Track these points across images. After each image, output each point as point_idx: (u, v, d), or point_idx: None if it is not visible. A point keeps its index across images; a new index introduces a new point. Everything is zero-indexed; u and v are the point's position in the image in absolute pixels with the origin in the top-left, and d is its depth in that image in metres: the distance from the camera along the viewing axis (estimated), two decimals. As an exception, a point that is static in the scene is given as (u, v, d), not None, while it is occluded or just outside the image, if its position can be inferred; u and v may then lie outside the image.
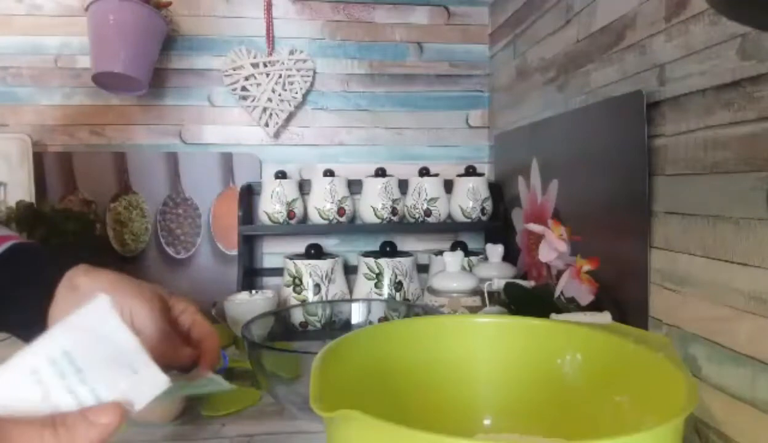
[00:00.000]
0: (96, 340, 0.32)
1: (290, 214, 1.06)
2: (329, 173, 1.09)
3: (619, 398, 0.43)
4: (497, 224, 1.09)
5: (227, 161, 1.13)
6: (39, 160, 1.04)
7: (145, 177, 1.10)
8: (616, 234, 0.67)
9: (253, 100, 1.11)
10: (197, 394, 0.36)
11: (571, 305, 0.66)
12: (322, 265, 1.02)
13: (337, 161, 1.16)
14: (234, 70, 1.10)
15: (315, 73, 1.14)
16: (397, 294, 1.03)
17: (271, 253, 1.15)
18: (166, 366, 0.36)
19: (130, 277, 0.44)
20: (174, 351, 0.42)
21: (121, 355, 0.33)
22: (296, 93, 1.12)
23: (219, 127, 1.13)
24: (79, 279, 0.42)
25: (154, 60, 1.03)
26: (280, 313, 0.85)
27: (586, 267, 0.64)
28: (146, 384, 0.33)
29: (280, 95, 1.11)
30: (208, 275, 1.10)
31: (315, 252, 1.04)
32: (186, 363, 0.44)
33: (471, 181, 1.08)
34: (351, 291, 1.06)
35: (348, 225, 1.10)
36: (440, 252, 1.01)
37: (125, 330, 0.34)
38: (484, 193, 1.08)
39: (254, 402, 0.70)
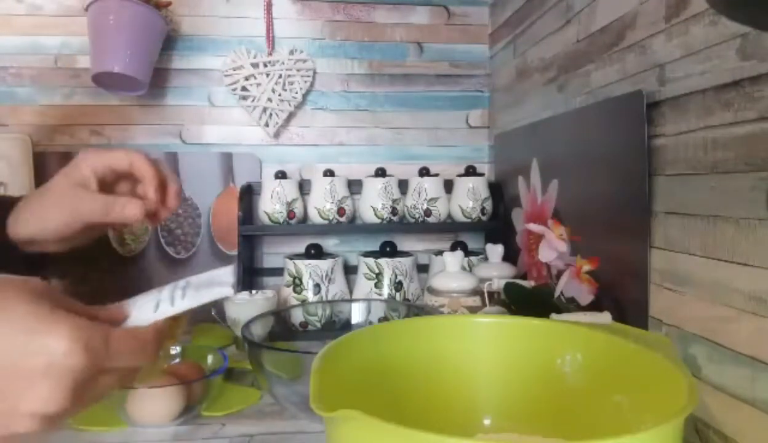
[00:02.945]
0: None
1: (290, 214, 1.06)
2: (329, 173, 1.09)
3: (619, 398, 0.43)
4: (497, 224, 1.09)
5: (227, 161, 1.13)
6: (39, 160, 1.04)
7: (145, 177, 1.10)
8: (616, 234, 0.67)
9: (253, 100, 1.11)
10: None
11: (571, 305, 0.66)
12: (322, 265, 1.02)
13: (337, 161, 1.16)
14: (234, 70, 1.10)
15: (315, 73, 1.14)
16: (397, 294, 1.03)
17: (271, 253, 1.15)
18: (107, 222, 0.45)
19: (41, 194, 0.47)
20: (106, 208, 0.45)
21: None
22: (296, 93, 1.12)
23: (219, 127, 1.13)
24: (26, 233, 0.46)
25: (154, 60, 1.03)
26: (280, 313, 0.85)
27: (586, 267, 0.65)
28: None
29: (280, 95, 1.11)
30: (208, 275, 1.10)
31: (315, 252, 1.04)
32: (130, 216, 0.46)
33: (471, 181, 1.08)
34: (351, 291, 1.06)
35: (348, 225, 1.10)
36: (440, 252, 1.01)
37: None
38: (484, 193, 1.08)
39: (254, 402, 0.70)
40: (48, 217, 0.44)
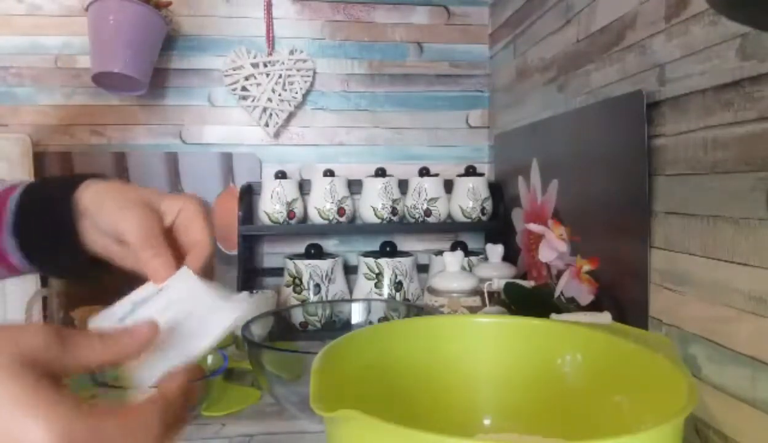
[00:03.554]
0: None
1: (290, 214, 1.06)
2: (329, 173, 1.09)
3: (619, 398, 0.43)
4: (497, 224, 1.09)
5: (227, 161, 1.13)
6: (39, 160, 1.04)
7: (145, 177, 1.10)
8: (616, 234, 0.67)
9: (253, 100, 1.11)
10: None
11: (571, 305, 0.66)
12: (322, 265, 1.02)
13: (337, 161, 1.16)
14: (234, 70, 1.10)
15: (315, 73, 1.15)
16: (397, 294, 1.03)
17: (271, 253, 1.15)
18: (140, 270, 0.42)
19: (123, 186, 0.44)
20: (149, 257, 0.41)
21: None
22: (296, 93, 1.12)
23: (219, 127, 1.13)
24: (84, 202, 0.44)
25: (154, 60, 1.03)
26: (280, 313, 0.85)
27: (586, 267, 0.64)
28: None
29: (280, 95, 1.11)
30: (208, 275, 1.10)
31: (315, 252, 1.04)
32: (151, 269, 0.42)
33: (471, 181, 1.08)
34: (351, 291, 1.06)
35: (348, 225, 1.10)
36: (440, 252, 1.01)
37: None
38: (484, 193, 1.08)
39: (254, 402, 0.70)
40: (113, 205, 0.42)
